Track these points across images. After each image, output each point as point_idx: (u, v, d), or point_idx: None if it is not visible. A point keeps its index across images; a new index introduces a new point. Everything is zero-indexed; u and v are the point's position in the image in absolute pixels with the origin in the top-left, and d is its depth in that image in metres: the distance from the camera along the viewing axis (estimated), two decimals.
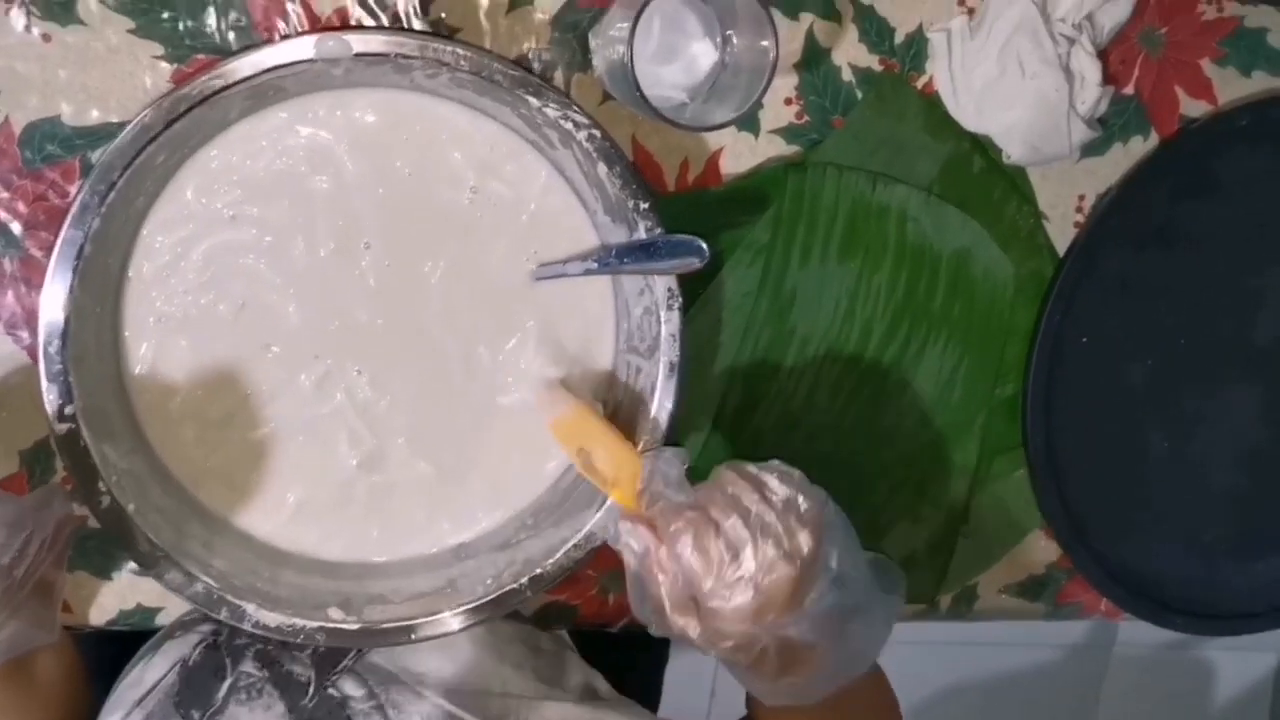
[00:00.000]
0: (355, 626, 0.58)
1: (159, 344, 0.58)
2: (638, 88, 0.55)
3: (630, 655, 0.78)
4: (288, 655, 0.60)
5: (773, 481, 0.50)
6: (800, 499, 0.49)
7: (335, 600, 0.59)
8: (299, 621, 0.58)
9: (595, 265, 0.59)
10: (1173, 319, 0.71)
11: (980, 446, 0.70)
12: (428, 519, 0.62)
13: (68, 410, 0.54)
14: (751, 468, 0.51)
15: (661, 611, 0.50)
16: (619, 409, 0.62)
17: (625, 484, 0.56)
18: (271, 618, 0.57)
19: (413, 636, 0.59)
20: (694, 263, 0.57)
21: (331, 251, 0.59)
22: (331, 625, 0.58)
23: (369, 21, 0.59)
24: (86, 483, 0.55)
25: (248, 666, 0.59)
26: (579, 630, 0.70)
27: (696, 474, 0.66)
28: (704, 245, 0.57)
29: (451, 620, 0.59)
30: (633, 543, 0.51)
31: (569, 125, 0.57)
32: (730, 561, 0.48)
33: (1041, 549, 0.74)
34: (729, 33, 0.60)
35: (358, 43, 0.55)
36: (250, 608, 0.57)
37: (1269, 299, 0.72)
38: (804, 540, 0.48)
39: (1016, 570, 0.74)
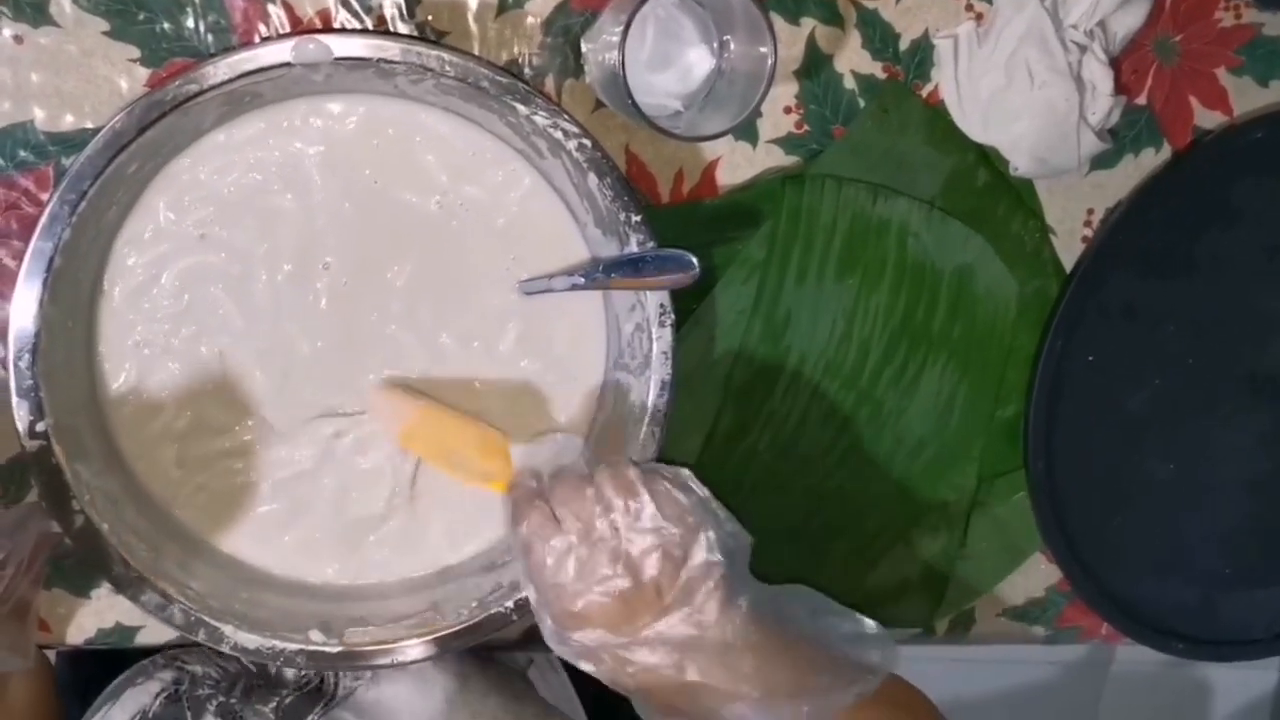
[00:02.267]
0: (336, 649, 0.57)
1: (135, 367, 0.57)
2: (630, 95, 0.53)
3: None
4: (250, 709, 0.58)
5: (645, 501, 0.47)
6: (671, 528, 0.47)
7: (315, 623, 0.57)
8: (278, 643, 0.56)
9: (582, 280, 0.57)
10: (1180, 342, 0.69)
11: (979, 470, 0.68)
12: (410, 543, 0.60)
13: (39, 427, 0.53)
14: (632, 473, 0.48)
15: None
16: (607, 426, 0.61)
17: (500, 471, 0.54)
18: (250, 639, 0.56)
19: (394, 660, 0.57)
20: (684, 278, 0.55)
21: (295, 270, 0.57)
22: (312, 648, 0.57)
23: (353, 24, 0.57)
24: (59, 502, 0.54)
25: None
26: None
27: None
28: (694, 260, 0.55)
29: (434, 644, 0.57)
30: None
31: (558, 134, 0.55)
32: (554, 564, 0.46)
33: (1041, 572, 0.72)
34: (726, 38, 0.58)
35: (338, 46, 0.53)
36: (228, 629, 0.56)
37: (1278, 323, 0.70)
38: (651, 564, 0.46)
39: (1015, 594, 0.72)
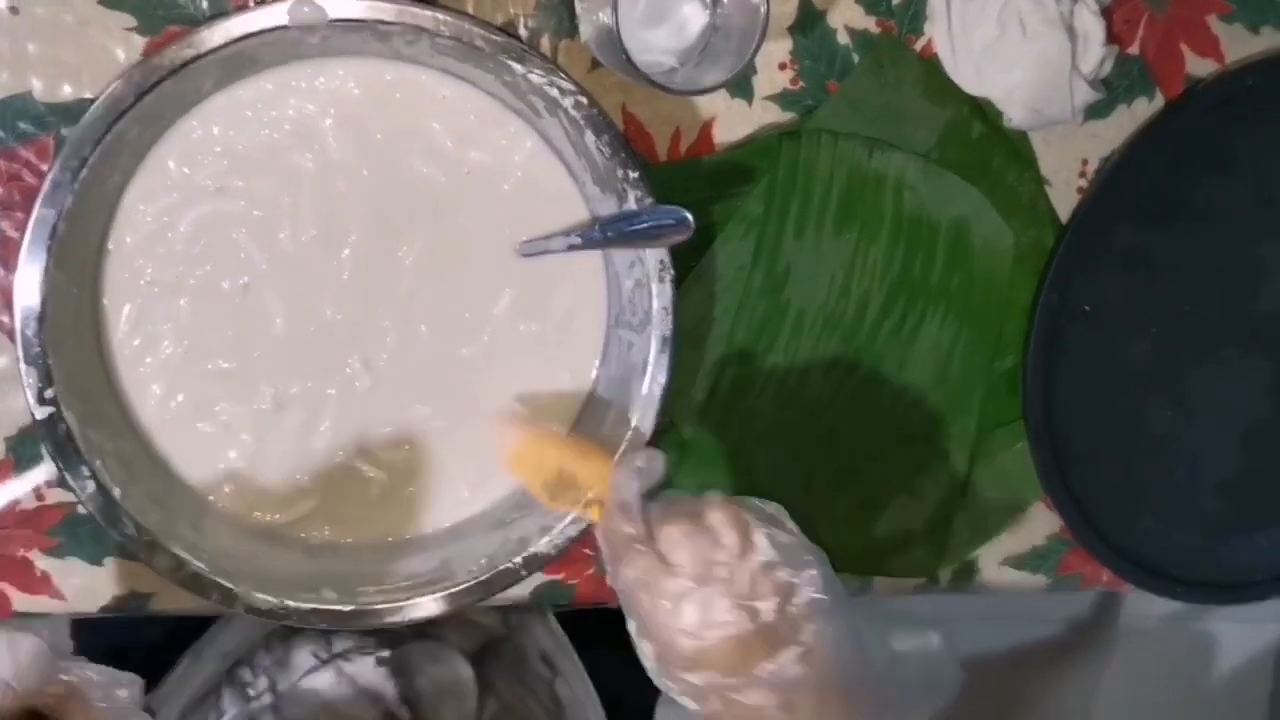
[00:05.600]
0: (349, 608, 0.57)
1: (141, 321, 0.57)
2: (625, 52, 0.53)
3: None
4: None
5: (760, 539, 0.47)
6: (781, 566, 0.46)
7: (328, 582, 0.58)
8: (291, 603, 0.57)
9: (579, 240, 0.58)
10: (1177, 289, 0.69)
11: (979, 420, 0.69)
12: (421, 501, 0.61)
13: (48, 393, 0.53)
14: (748, 514, 0.48)
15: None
16: (610, 384, 0.61)
17: (601, 494, 0.53)
18: (264, 600, 0.57)
19: (406, 617, 0.58)
20: (680, 235, 0.56)
21: (313, 237, 0.57)
22: (325, 606, 0.57)
23: None
24: (71, 467, 0.54)
25: None
26: (578, 611, 0.69)
27: (691, 451, 0.65)
28: (689, 216, 0.55)
29: (445, 601, 0.58)
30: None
31: (554, 92, 0.55)
32: (671, 608, 0.46)
33: (1042, 521, 0.73)
34: None
35: (333, 8, 0.53)
36: (242, 590, 0.56)
37: (1275, 270, 0.71)
38: (767, 605, 0.46)
39: (1017, 542, 0.73)
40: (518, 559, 0.58)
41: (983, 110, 0.65)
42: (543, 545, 0.59)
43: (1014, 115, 0.65)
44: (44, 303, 0.52)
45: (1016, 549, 0.73)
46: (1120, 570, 0.72)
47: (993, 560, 0.72)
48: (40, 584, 0.61)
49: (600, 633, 0.70)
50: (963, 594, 0.73)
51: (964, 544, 0.71)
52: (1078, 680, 1.64)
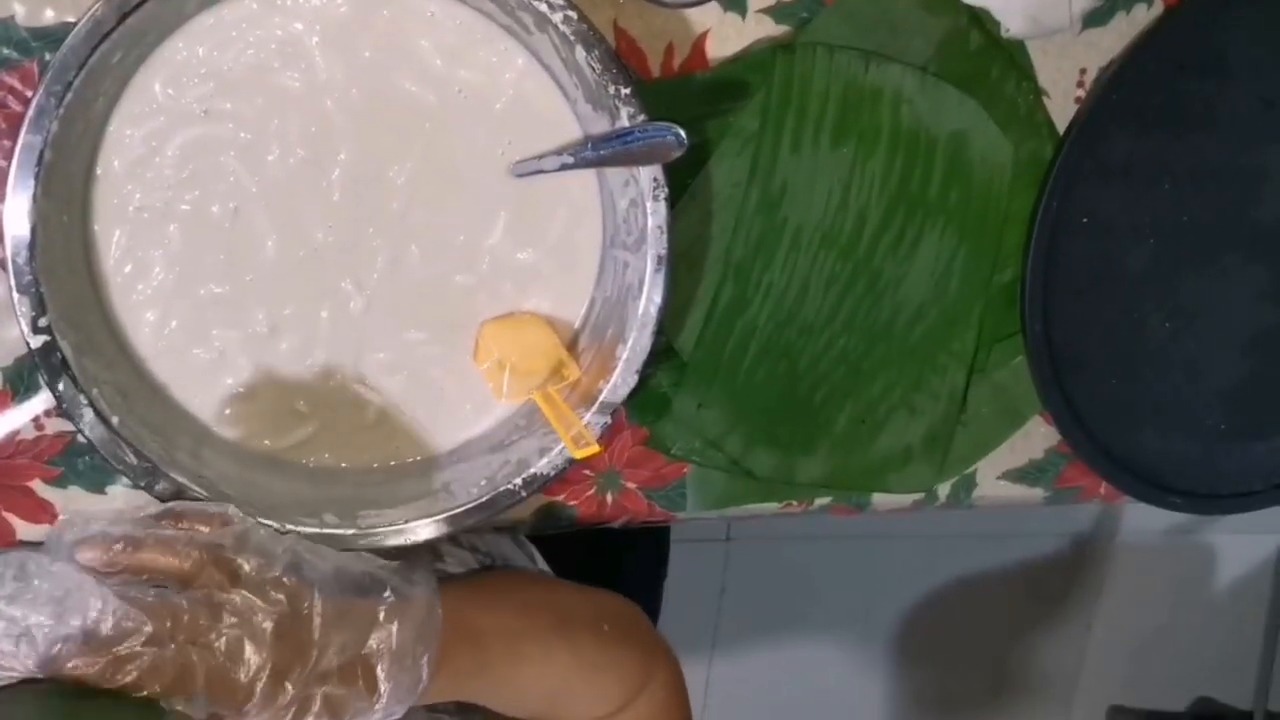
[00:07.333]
0: (350, 531, 0.58)
1: (132, 248, 0.56)
2: None
3: (630, 555, 0.79)
4: None
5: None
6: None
7: (330, 506, 0.58)
8: (293, 527, 0.57)
9: (572, 159, 0.57)
10: (1176, 197, 0.69)
11: (978, 335, 0.69)
12: (420, 425, 0.61)
13: (41, 322, 0.53)
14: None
15: None
16: (606, 305, 0.61)
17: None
18: (266, 525, 0.57)
19: (407, 539, 0.58)
20: (672, 151, 0.55)
21: (302, 159, 0.57)
22: (327, 531, 0.58)
23: None
24: (68, 396, 0.54)
25: None
26: (578, 533, 0.70)
27: (690, 371, 0.65)
28: (681, 132, 0.54)
29: (446, 523, 0.58)
30: None
31: (543, 7, 0.54)
32: None
33: (1041, 435, 0.73)
34: None
35: None
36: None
37: (1275, 176, 0.70)
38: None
39: (1015, 456, 0.73)
40: (517, 480, 0.59)
41: (980, 20, 0.64)
42: (542, 466, 0.59)
43: (1012, 25, 0.63)
44: (33, 230, 0.52)
45: (1015, 463, 0.73)
46: (1119, 482, 0.72)
47: (990, 474, 0.73)
48: (43, 513, 0.62)
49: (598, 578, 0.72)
50: (960, 509, 0.73)
51: (962, 459, 0.71)
52: (1079, 595, 1.67)
